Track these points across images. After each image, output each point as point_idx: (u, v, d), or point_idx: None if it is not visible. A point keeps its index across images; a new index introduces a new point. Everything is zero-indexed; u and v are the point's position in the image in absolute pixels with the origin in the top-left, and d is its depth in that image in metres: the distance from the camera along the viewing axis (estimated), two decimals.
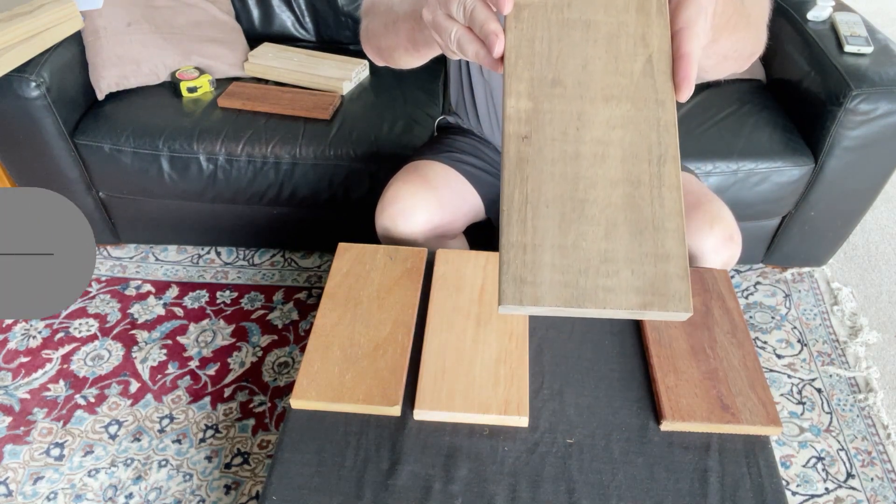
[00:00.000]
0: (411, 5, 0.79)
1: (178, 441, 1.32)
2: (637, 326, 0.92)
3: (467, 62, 1.16)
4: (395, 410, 0.81)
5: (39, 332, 1.52)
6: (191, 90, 1.55)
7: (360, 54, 1.68)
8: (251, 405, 1.38)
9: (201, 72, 1.57)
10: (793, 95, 1.49)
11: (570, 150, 0.47)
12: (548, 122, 0.48)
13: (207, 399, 1.39)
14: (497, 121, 1.19)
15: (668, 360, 0.85)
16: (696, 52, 0.50)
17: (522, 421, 0.80)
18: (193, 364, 1.46)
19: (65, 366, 1.45)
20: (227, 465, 1.28)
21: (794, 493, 1.24)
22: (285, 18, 1.76)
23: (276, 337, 1.52)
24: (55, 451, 1.30)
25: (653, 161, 0.47)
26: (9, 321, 1.55)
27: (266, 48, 1.66)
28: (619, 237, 0.45)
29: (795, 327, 1.54)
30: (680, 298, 0.43)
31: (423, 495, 0.74)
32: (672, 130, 0.47)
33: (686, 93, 0.50)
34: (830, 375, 1.44)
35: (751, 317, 1.57)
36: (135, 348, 1.49)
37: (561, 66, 0.50)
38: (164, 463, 1.28)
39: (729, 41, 0.69)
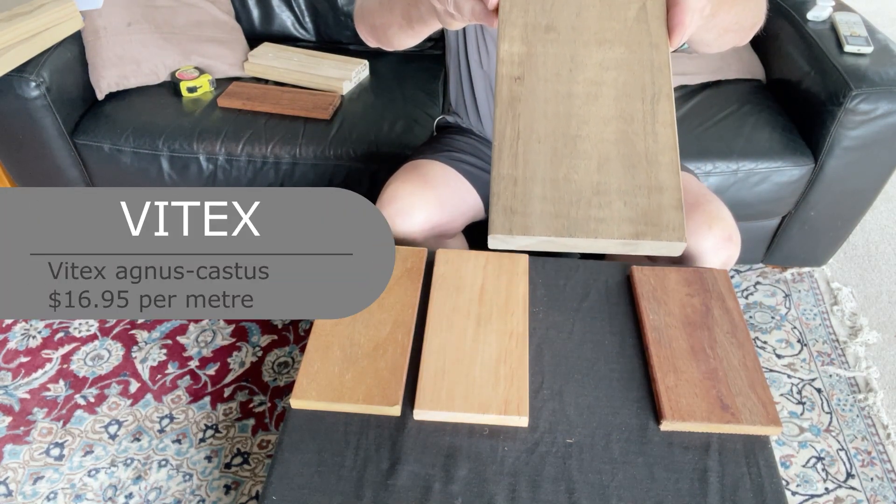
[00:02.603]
0: None
1: (178, 441, 1.32)
2: (637, 326, 0.92)
3: (467, 58, 1.15)
4: (395, 410, 0.81)
5: (39, 332, 1.52)
6: (191, 90, 1.55)
7: (360, 54, 1.68)
8: (251, 405, 1.38)
9: (201, 72, 1.57)
10: (793, 95, 1.49)
11: (563, 90, 0.48)
12: (541, 64, 0.49)
13: (207, 399, 1.39)
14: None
15: (668, 360, 0.85)
16: (685, 18, 0.51)
17: (522, 421, 0.80)
18: (193, 364, 1.46)
19: (65, 366, 1.45)
20: (227, 465, 1.28)
21: (794, 493, 1.24)
22: (285, 18, 1.76)
23: (276, 337, 1.52)
24: (55, 451, 1.30)
25: (646, 99, 0.47)
26: (9, 321, 1.55)
27: (266, 48, 1.66)
28: (612, 170, 0.45)
29: (795, 327, 1.54)
30: (674, 228, 0.43)
31: (423, 495, 0.74)
32: (665, 71, 0.48)
33: (678, 38, 0.50)
34: (830, 375, 1.44)
35: (751, 317, 1.57)
36: (135, 348, 1.49)
37: (555, 13, 0.51)
38: (164, 463, 1.28)
39: (729, 14, 0.69)
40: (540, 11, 0.51)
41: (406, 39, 0.89)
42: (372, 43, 0.97)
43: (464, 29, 1.10)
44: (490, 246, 0.46)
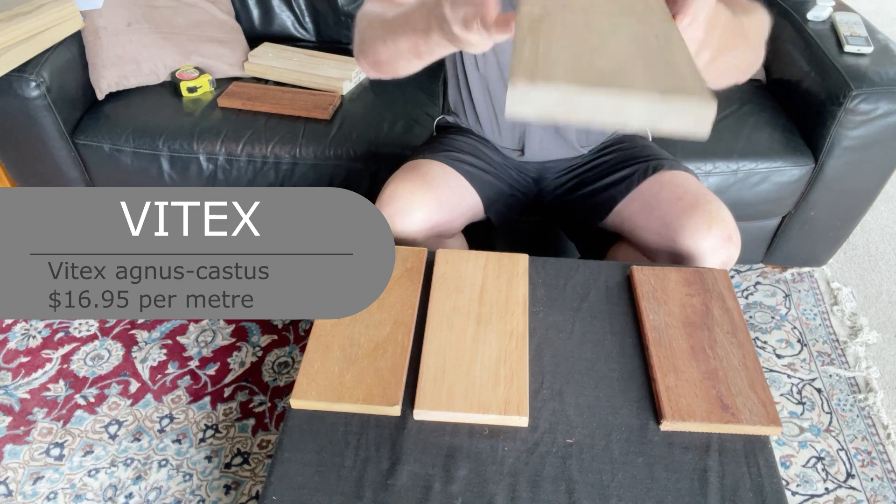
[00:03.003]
0: (411, 21, 0.81)
1: (178, 441, 1.32)
2: (637, 326, 0.92)
3: (463, 62, 1.15)
4: (395, 410, 0.81)
5: (39, 332, 1.52)
6: (191, 90, 1.55)
7: None
8: (251, 405, 1.38)
9: (201, 72, 1.57)
10: (793, 95, 1.49)
11: (581, 34, 0.47)
12: (559, 20, 0.49)
13: (207, 399, 1.39)
14: (496, 119, 1.19)
15: (668, 360, 0.85)
16: (701, 7, 0.54)
17: (522, 421, 0.80)
18: (193, 364, 1.46)
19: (65, 366, 1.45)
20: (227, 465, 1.28)
21: (794, 493, 1.24)
22: (285, 18, 1.76)
23: (276, 337, 1.52)
24: (55, 451, 1.30)
25: (660, 37, 0.47)
26: (9, 321, 1.55)
27: (266, 48, 1.67)
28: (634, 66, 0.43)
29: (795, 327, 1.54)
30: (701, 91, 0.40)
31: (423, 495, 0.74)
32: (676, 30, 0.49)
33: (684, 19, 0.54)
34: (830, 375, 1.44)
35: (751, 317, 1.57)
36: (135, 348, 1.49)
37: None
38: (164, 463, 1.28)
39: (727, 58, 0.72)
40: None
41: (414, 69, 0.91)
42: (373, 75, 0.98)
43: None
44: (508, 104, 0.42)
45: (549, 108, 0.41)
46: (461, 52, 1.14)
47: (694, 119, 0.40)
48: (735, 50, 0.71)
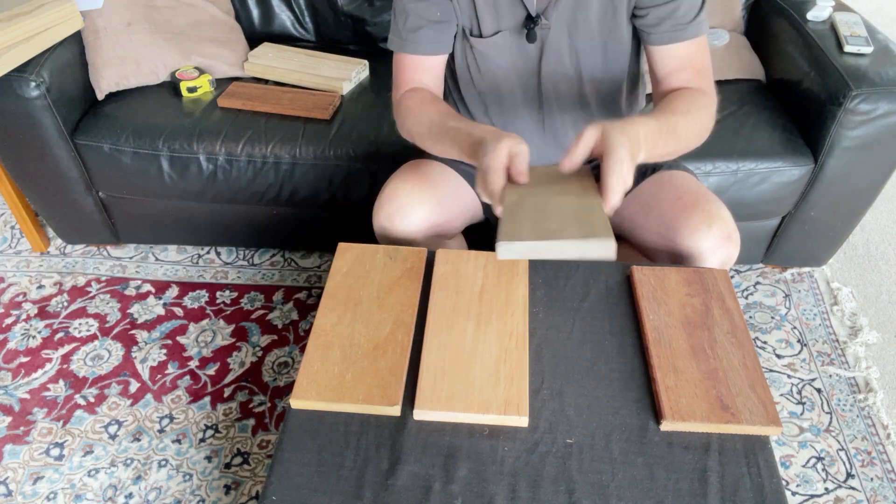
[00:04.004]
0: (457, 146, 0.97)
1: (178, 441, 1.32)
2: (637, 326, 0.92)
3: (456, 78, 1.16)
4: (395, 410, 0.81)
5: (39, 332, 1.52)
6: (191, 90, 1.55)
7: (360, 54, 1.69)
8: (251, 405, 1.38)
9: (201, 72, 1.57)
10: (793, 95, 1.49)
11: (539, 209, 0.78)
12: (527, 203, 0.79)
13: (207, 399, 1.39)
14: (495, 121, 1.19)
15: (668, 360, 0.85)
16: (613, 182, 0.79)
17: (522, 421, 0.80)
18: (193, 364, 1.46)
19: (65, 366, 1.45)
20: (227, 465, 1.28)
21: (793, 493, 1.24)
22: (285, 18, 1.76)
23: (275, 337, 1.52)
24: (55, 451, 1.30)
25: (588, 206, 0.77)
26: (9, 321, 1.55)
27: (266, 48, 1.67)
28: (569, 225, 0.72)
29: (795, 327, 1.54)
30: (607, 235, 0.70)
31: (423, 495, 0.74)
32: (598, 201, 0.79)
33: (609, 204, 0.80)
34: (830, 375, 1.44)
35: (751, 317, 1.57)
36: (135, 348, 1.49)
37: (533, 186, 0.84)
38: (163, 463, 1.28)
39: (664, 151, 0.93)
40: (525, 188, 0.84)
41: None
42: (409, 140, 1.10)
43: (451, 55, 1.13)
44: (498, 253, 0.70)
45: (523, 253, 0.70)
46: (455, 74, 1.15)
47: (605, 251, 0.70)
48: (668, 147, 0.93)
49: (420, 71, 1.08)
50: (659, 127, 0.90)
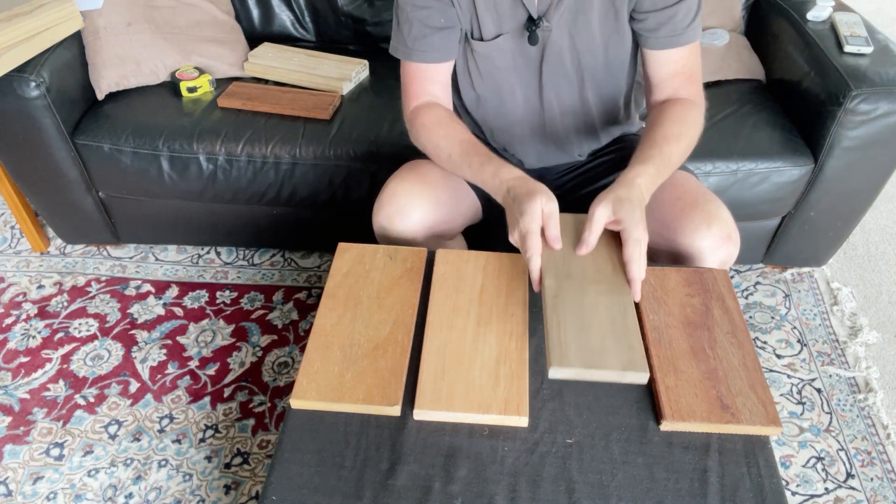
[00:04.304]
0: (481, 180, 1.01)
1: (178, 441, 1.32)
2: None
3: (456, 81, 1.16)
4: (395, 410, 0.81)
5: (39, 332, 1.52)
6: (191, 90, 1.55)
7: (360, 54, 1.68)
8: (251, 405, 1.38)
9: (201, 72, 1.57)
10: (793, 95, 1.49)
11: (579, 311, 0.83)
12: (568, 298, 0.85)
13: (207, 399, 1.39)
14: (493, 136, 1.19)
15: (668, 360, 0.85)
16: (638, 275, 0.87)
17: (522, 421, 0.80)
18: (193, 364, 1.46)
19: (64, 366, 1.45)
20: (227, 465, 1.28)
21: (793, 493, 1.24)
22: (285, 18, 1.76)
23: (275, 337, 1.52)
24: (55, 451, 1.30)
25: (621, 310, 0.84)
26: (9, 321, 1.55)
27: (266, 48, 1.67)
28: (608, 349, 0.78)
29: (795, 327, 1.54)
30: (642, 366, 0.77)
31: (422, 495, 0.74)
32: (630, 301, 0.85)
33: (636, 288, 0.87)
34: (830, 375, 1.44)
35: (751, 317, 1.57)
36: (134, 348, 1.49)
37: (569, 266, 0.89)
38: (163, 463, 1.28)
39: (661, 182, 0.98)
40: (562, 265, 0.90)
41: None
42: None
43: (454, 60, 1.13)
44: (549, 374, 0.77)
45: (570, 376, 0.77)
46: (454, 74, 1.15)
47: (640, 379, 0.77)
48: (671, 173, 1.01)
49: (430, 81, 1.09)
50: (657, 170, 0.95)
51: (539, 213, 0.89)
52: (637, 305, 0.94)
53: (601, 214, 0.89)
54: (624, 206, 0.88)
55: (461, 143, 1.04)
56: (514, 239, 0.92)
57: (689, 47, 1.04)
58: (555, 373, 0.77)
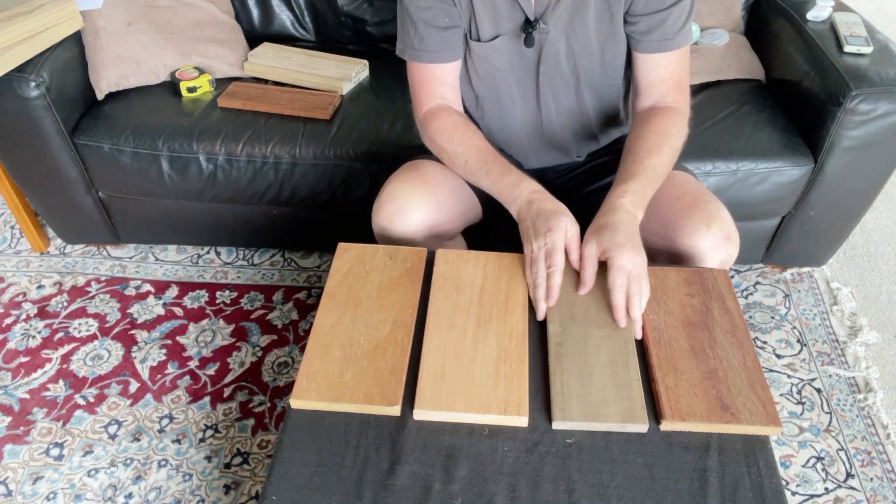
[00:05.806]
0: (496, 189, 1.03)
1: (178, 441, 1.32)
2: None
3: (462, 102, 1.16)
4: (395, 410, 0.81)
5: (39, 332, 1.52)
6: (190, 90, 1.55)
7: (360, 54, 1.68)
8: (251, 405, 1.38)
9: (201, 72, 1.57)
10: (793, 95, 1.49)
11: (581, 359, 0.85)
12: (572, 346, 0.87)
13: (207, 399, 1.39)
14: (492, 137, 1.19)
15: (668, 360, 0.85)
16: (619, 302, 0.89)
17: (522, 421, 0.80)
18: (193, 364, 1.46)
19: (64, 366, 1.45)
20: (227, 465, 1.28)
21: (793, 493, 1.24)
22: (285, 18, 1.76)
23: (275, 337, 1.52)
24: (55, 451, 1.30)
25: (623, 354, 0.86)
26: (9, 321, 1.55)
27: (266, 48, 1.67)
28: (608, 400, 0.81)
29: (795, 327, 1.55)
30: (642, 417, 0.79)
31: (422, 495, 0.74)
32: (632, 343, 0.87)
33: (637, 326, 0.89)
34: (830, 375, 1.44)
35: (751, 317, 1.57)
36: (134, 348, 1.49)
37: (574, 309, 0.91)
38: (163, 463, 1.28)
39: (651, 195, 0.99)
40: (566, 308, 0.92)
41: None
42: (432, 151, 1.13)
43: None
44: (553, 426, 0.80)
45: (573, 427, 0.80)
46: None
47: (639, 428, 0.79)
48: (659, 183, 1.01)
49: (439, 83, 1.09)
50: (642, 185, 0.97)
51: (563, 232, 0.92)
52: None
53: (590, 251, 0.91)
54: (605, 234, 0.91)
55: (479, 150, 1.05)
56: (531, 251, 0.93)
57: (679, 52, 1.04)
58: (558, 425, 0.79)
